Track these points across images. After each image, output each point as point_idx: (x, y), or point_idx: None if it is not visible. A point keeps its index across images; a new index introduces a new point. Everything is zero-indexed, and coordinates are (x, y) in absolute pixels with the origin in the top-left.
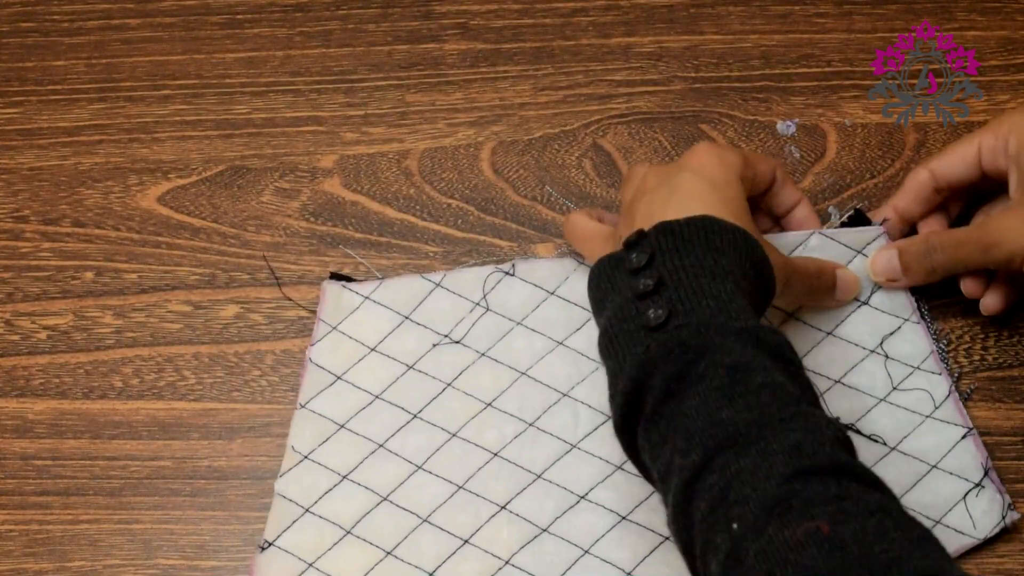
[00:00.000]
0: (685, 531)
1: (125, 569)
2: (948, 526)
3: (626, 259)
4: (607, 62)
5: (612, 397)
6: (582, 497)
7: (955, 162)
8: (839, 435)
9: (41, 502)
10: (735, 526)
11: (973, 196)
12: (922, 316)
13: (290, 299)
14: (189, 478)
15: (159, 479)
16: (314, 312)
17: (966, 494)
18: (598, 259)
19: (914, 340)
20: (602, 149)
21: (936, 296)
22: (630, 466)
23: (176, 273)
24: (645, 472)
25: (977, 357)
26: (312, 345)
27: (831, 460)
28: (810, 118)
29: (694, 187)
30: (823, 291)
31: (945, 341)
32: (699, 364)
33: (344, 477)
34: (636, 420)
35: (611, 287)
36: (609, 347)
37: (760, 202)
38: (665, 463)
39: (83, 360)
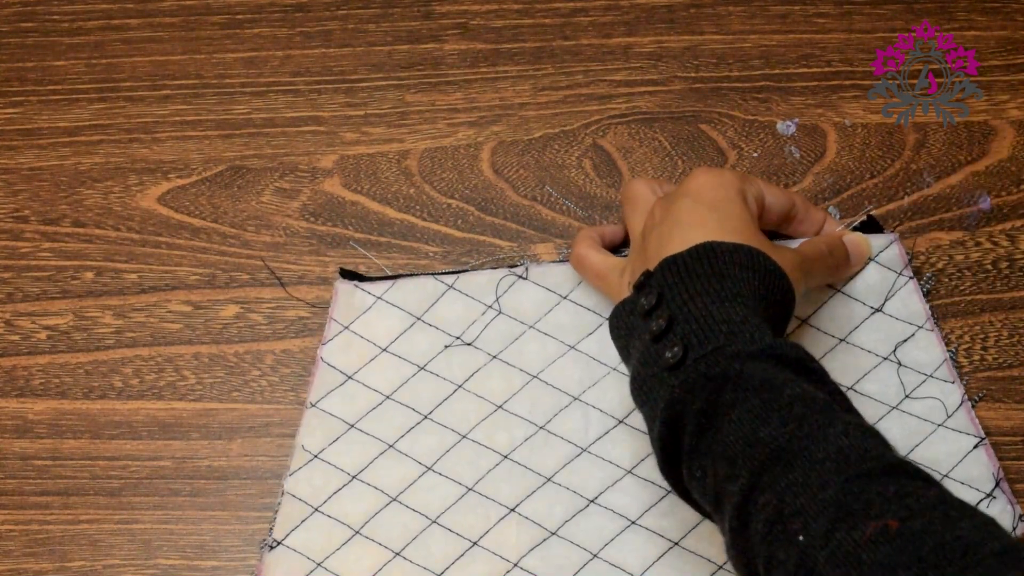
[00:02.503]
0: (745, 554)
1: (125, 569)
2: None
3: (637, 303)
4: (607, 62)
5: (652, 442)
6: (592, 501)
7: None
8: (878, 436)
9: (41, 502)
10: (800, 538)
11: None
12: (936, 323)
13: (297, 299)
14: (189, 478)
15: (159, 479)
16: (315, 311)
17: (977, 504)
18: (614, 308)
19: (928, 348)
20: (602, 149)
21: (937, 296)
22: (640, 470)
23: (176, 273)
24: (698, 508)
25: (977, 357)
26: (323, 344)
27: (882, 461)
28: (810, 118)
29: (693, 214)
30: (841, 265)
31: (954, 348)
32: (725, 393)
33: (354, 477)
34: (678, 461)
35: (630, 333)
36: (639, 395)
37: (786, 232)
38: (713, 494)
39: (83, 360)
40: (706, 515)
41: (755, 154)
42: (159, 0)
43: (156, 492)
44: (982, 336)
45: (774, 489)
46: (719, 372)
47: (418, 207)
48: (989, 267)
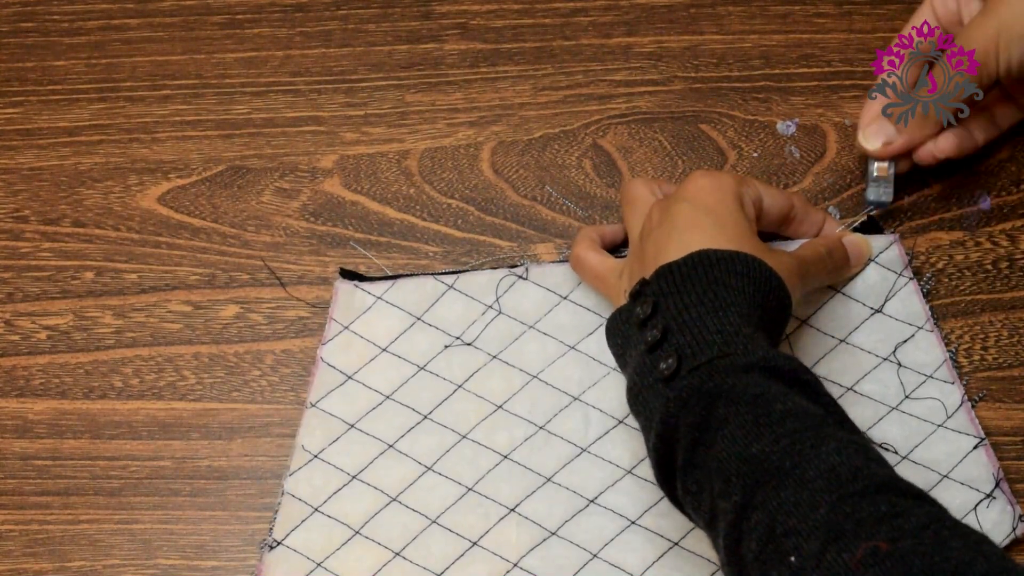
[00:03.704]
0: (739, 573)
1: (125, 569)
2: None
3: (632, 312)
4: (607, 62)
5: (648, 453)
6: (591, 501)
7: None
8: (871, 453)
9: (41, 502)
10: (792, 559)
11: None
12: (935, 324)
13: (298, 299)
14: (189, 478)
15: (159, 479)
16: (315, 311)
17: (976, 504)
18: (610, 316)
19: (928, 348)
20: (602, 149)
21: (937, 296)
22: (640, 470)
23: (176, 273)
24: (693, 521)
25: (977, 357)
26: (323, 344)
27: (874, 480)
28: (810, 118)
29: (690, 218)
30: (841, 267)
31: (954, 348)
32: (718, 407)
33: (354, 477)
34: (672, 473)
35: (626, 342)
36: (635, 404)
37: (785, 233)
38: (708, 509)
39: (83, 360)
40: (701, 528)
41: (755, 154)
42: (159, 0)
43: (156, 492)
44: (982, 336)
45: (766, 508)
46: (712, 386)
47: (418, 207)
48: (989, 267)
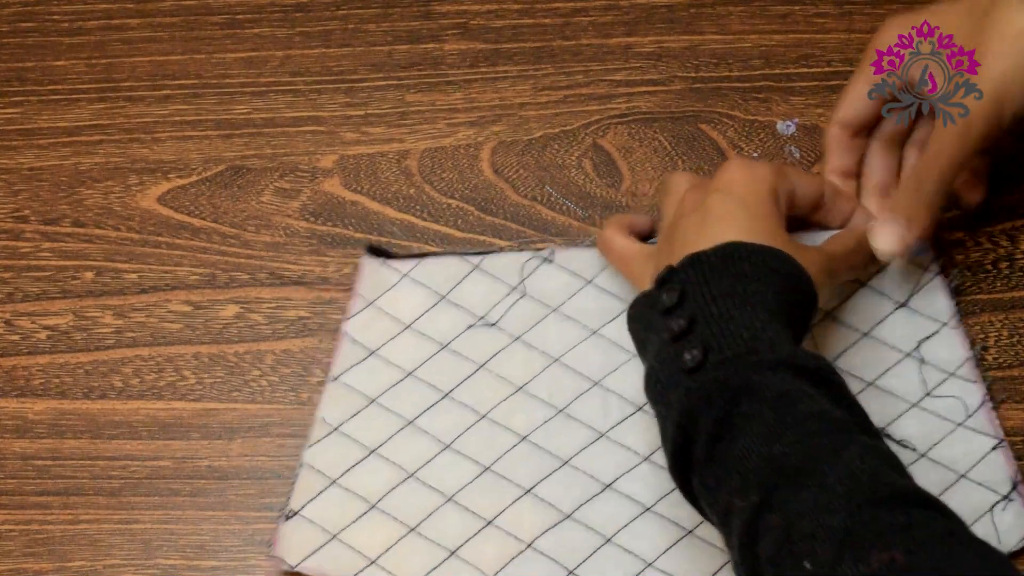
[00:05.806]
0: (752, 572)
1: (125, 569)
2: None
3: (658, 299)
4: (607, 62)
5: (663, 442)
6: (607, 486)
7: (855, 102)
8: (892, 461)
9: (41, 502)
10: (807, 564)
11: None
12: (960, 321)
13: (298, 299)
14: (189, 478)
15: (159, 479)
16: (316, 311)
17: (993, 506)
18: (634, 299)
19: (951, 346)
20: (602, 149)
21: None
22: (657, 458)
23: (176, 273)
24: (704, 515)
25: (977, 357)
26: (348, 319)
27: (893, 489)
28: (810, 118)
29: (723, 209)
30: (868, 260)
31: (979, 347)
32: (741, 404)
33: (372, 451)
34: (689, 465)
35: (648, 328)
36: (655, 392)
37: (813, 220)
38: (723, 506)
39: (83, 360)
40: (712, 523)
41: (755, 154)
42: (159, 0)
43: (156, 492)
44: (982, 336)
45: (784, 510)
46: (738, 382)
47: (418, 207)
48: (989, 267)
